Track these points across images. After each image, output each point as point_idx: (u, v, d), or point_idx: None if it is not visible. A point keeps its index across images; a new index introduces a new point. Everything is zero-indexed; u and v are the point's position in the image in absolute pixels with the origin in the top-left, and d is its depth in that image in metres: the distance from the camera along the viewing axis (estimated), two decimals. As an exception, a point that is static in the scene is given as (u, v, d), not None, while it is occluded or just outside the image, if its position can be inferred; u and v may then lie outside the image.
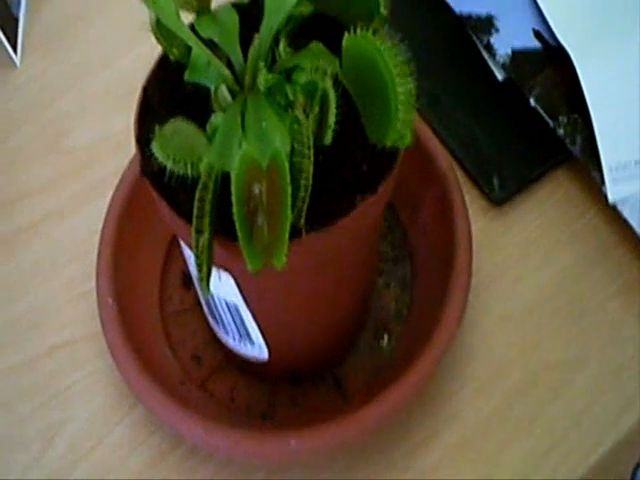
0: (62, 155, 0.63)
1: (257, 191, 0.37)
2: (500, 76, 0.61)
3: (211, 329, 0.51)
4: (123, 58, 0.66)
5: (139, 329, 0.51)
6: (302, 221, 0.38)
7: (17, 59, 0.67)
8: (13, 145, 0.64)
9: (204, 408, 0.50)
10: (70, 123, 0.65)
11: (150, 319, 0.53)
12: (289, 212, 0.37)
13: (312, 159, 0.38)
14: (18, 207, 0.61)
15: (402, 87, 0.39)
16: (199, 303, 0.52)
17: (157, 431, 0.52)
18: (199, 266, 0.38)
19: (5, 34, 0.66)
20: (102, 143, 0.63)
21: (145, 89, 0.44)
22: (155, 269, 0.55)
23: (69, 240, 0.59)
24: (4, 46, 0.66)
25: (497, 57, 0.60)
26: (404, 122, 0.39)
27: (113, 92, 0.65)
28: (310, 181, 0.38)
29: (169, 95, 0.44)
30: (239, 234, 0.37)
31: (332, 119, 0.39)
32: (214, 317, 0.48)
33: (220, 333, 0.50)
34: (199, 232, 0.38)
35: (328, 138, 0.40)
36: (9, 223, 0.61)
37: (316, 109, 0.39)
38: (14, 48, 0.67)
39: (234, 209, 0.37)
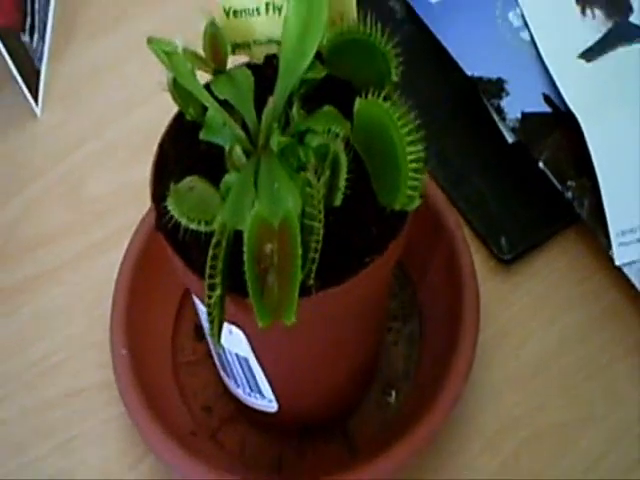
0: (80, 204, 0.65)
1: (268, 250, 0.38)
2: (510, 139, 0.62)
3: (222, 380, 0.52)
4: (142, 108, 0.67)
5: (151, 379, 0.52)
6: (312, 281, 0.40)
7: (38, 109, 0.69)
8: (32, 193, 0.66)
9: (214, 459, 0.51)
10: (89, 173, 0.66)
11: (162, 369, 0.54)
12: (299, 272, 0.38)
13: (322, 221, 0.39)
14: (36, 254, 0.63)
15: (412, 153, 0.40)
16: (211, 355, 0.52)
17: (168, 480, 0.53)
18: (211, 322, 0.39)
19: (27, 85, 0.68)
20: (120, 193, 0.64)
21: (161, 146, 0.46)
22: (168, 320, 0.56)
23: (85, 289, 0.60)
24: (25, 96, 0.68)
25: (507, 120, 0.61)
26: (413, 187, 0.40)
27: (131, 142, 0.66)
28: (320, 243, 0.39)
29: (184, 153, 0.45)
30: (250, 292, 0.38)
31: (343, 182, 0.40)
32: (225, 369, 0.49)
33: (231, 385, 0.51)
34: (212, 289, 0.39)
35: (338, 200, 0.41)
36: (26, 270, 0.62)
37: (327, 172, 0.40)
38: (35, 99, 0.69)
39: (246, 267, 0.38)
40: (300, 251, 0.38)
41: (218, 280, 0.39)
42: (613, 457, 0.53)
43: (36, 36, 0.71)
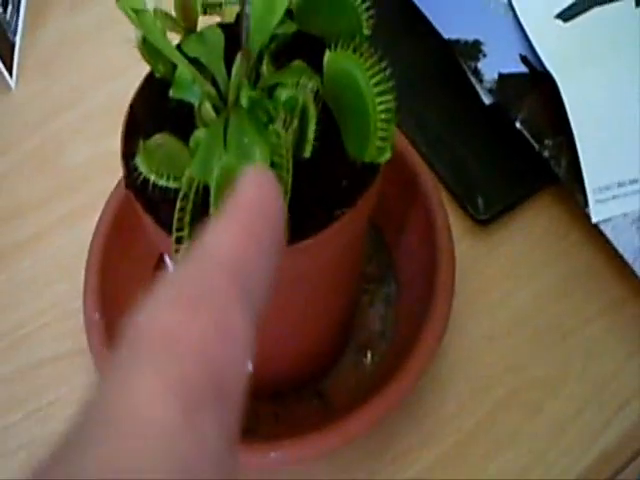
0: (57, 174, 0.64)
1: (236, 202, 0.38)
2: (487, 100, 0.61)
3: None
4: (117, 79, 0.67)
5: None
6: (280, 232, 0.39)
7: (12, 82, 0.68)
8: (8, 163, 0.65)
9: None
10: (65, 143, 0.66)
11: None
12: (265, 222, 0.37)
13: (291, 172, 0.39)
14: (12, 223, 0.62)
15: (381, 104, 0.39)
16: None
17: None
18: (179, 275, 0.39)
19: (2, 58, 0.67)
20: (96, 162, 0.64)
21: (132, 106, 0.45)
22: (144, 285, 0.56)
23: (62, 256, 0.60)
24: (0, 70, 0.68)
25: (484, 82, 0.61)
26: (383, 138, 0.40)
27: (107, 112, 0.66)
28: (288, 194, 0.39)
29: (155, 111, 0.44)
30: (216, 244, 0.37)
31: (311, 133, 0.40)
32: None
33: (204, 347, 0.50)
34: (179, 242, 0.39)
35: (307, 152, 0.40)
36: (3, 238, 0.62)
37: (295, 122, 0.40)
38: (10, 71, 0.68)
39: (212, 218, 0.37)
40: (266, 201, 0.37)
41: (186, 233, 0.39)
42: (589, 414, 0.53)
43: (10, 9, 0.70)
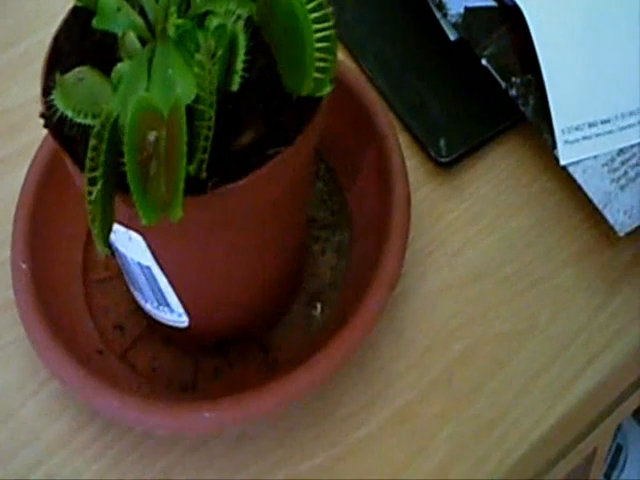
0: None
1: (152, 139, 0.35)
2: (452, 36, 0.58)
3: (134, 297, 0.49)
4: (55, 22, 0.63)
5: (55, 296, 0.48)
6: (204, 173, 0.36)
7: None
8: None
9: (122, 379, 0.47)
10: (1, 85, 0.62)
11: (70, 286, 0.50)
12: (184, 161, 0.34)
13: (214, 106, 0.35)
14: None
15: (318, 31, 0.36)
16: (124, 271, 0.49)
17: (72, 405, 0.49)
18: (92, 221, 0.36)
19: None
20: (30, 108, 0.59)
21: (55, 39, 0.42)
22: (78, 236, 0.52)
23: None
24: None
25: (449, 16, 0.57)
26: (322, 69, 0.37)
27: (42, 57, 0.62)
28: (212, 129, 0.35)
29: (78, 44, 0.41)
30: (130, 184, 0.34)
31: (240, 64, 0.37)
32: (132, 282, 0.46)
33: (139, 299, 0.47)
34: (92, 183, 0.35)
35: (235, 84, 0.37)
36: None
37: (220, 52, 0.36)
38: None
39: (125, 156, 0.34)
40: (185, 137, 0.34)
41: (99, 173, 0.35)
42: (555, 370, 0.49)
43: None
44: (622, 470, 1.13)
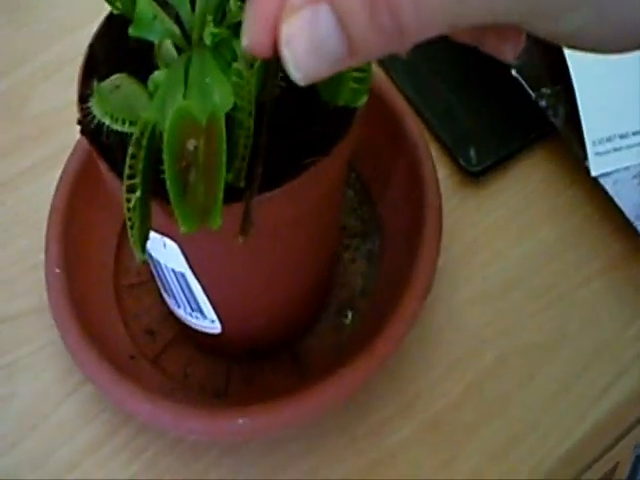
0: (21, 123, 0.61)
1: (191, 147, 0.35)
2: (482, 46, 0.58)
3: (166, 303, 0.49)
4: (86, 26, 0.63)
5: (89, 301, 0.49)
6: (242, 182, 0.36)
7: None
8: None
9: (154, 384, 0.48)
10: (31, 91, 0.62)
11: (103, 291, 0.51)
12: (224, 169, 0.34)
13: (253, 115, 0.36)
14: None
15: None
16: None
17: (107, 408, 0.49)
18: (131, 228, 0.36)
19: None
20: (63, 112, 0.60)
21: (91, 46, 0.42)
22: (111, 241, 0.52)
23: (25, 210, 0.57)
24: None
25: (480, 26, 0.57)
26: (358, 79, 0.37)
27: (75, 60, 0.62)
28: (250, 138, 0.36)
29: (114, 52, 0.41)
30: (170, 192, 0.34)
31: (278, 73, 0.37)
32: (165, 288, 0.46)
33: (172, 305, 0.47)
34: (131, 190, 0.36)
35: (274, 93, 0.37)
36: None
37: (258, 61, 0.37)
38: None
39: (165, 165, 0.34)
40: (225, 146, 0.34)
41: (138, 181, 0.35)
42: (584, 381, 0.49)
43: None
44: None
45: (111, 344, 0.48)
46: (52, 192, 0.52)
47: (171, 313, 0.49)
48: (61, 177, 0.52)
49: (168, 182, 0.34)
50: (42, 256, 0.50)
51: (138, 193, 0.35)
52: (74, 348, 0.46)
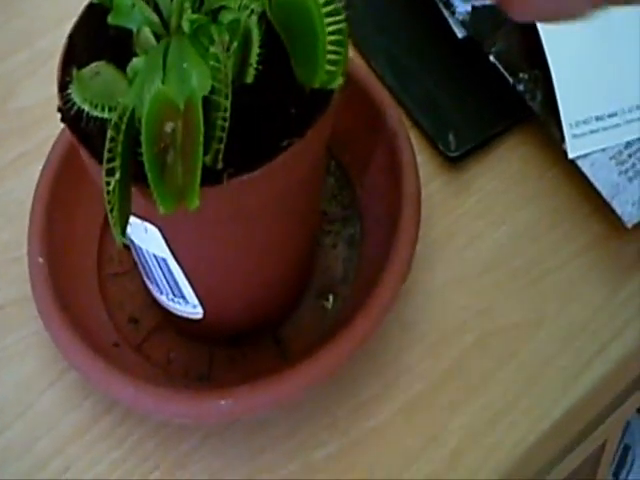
0: (5, 117, 0.61)
1: (169, 130, 0.35)
2: (460, 33, 0.59)
3: (149, 290, 0.49)
4: (71, 21, 0.63)
5: (72, 290, 0.49)
6: (220, 164, 0.36)
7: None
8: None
9: (138, 370, 0.48)
10: (15, 85, 0.63)
11: (86, 280, 0.51)
12: (201, 151, 0.35)
13: (230, 98, 0.36)
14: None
15: (331, 24, 0.37)
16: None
17: (90, 395, 0.50)
18: (111, 211, 0.36)
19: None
20: (47, 106, 0.60)
21: (71, 36, 0.43)
22: (93, 231, 0.53)
23: (8, 202, 0.57)
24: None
25: (457, 14, 0.58)
26: (334, 61, 0.38)
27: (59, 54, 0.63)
28: (227, 120, 0.36)
29: (94, 40, 0.42)
30: (148, 173, 0.35)
31: (254, 57, 0.38)
32: (147, 274, 0.46)
33: (155, 292, 0.48)
34: (110, 173, 0.36)
35: (250, 77, 0.38)
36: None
37: (235, 44, 0.37)
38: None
39: (143, 147, 0.35)
40: (202, 127, 0.35)
41: (117, 164, 0.36)
42: (564, 360, 0.50)
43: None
44: (630, 470, 1.13)
45: (95, 332, 0.48)
46: (34, 186, 0.52)
47: (154, 301, 0.50)
48: (44, 167, 0.52)
49: (146, 164, 0.35)
50: (25, 248, 0.51)
51: (117, 175, 0.36)
52: (58, 336, 0.47)
